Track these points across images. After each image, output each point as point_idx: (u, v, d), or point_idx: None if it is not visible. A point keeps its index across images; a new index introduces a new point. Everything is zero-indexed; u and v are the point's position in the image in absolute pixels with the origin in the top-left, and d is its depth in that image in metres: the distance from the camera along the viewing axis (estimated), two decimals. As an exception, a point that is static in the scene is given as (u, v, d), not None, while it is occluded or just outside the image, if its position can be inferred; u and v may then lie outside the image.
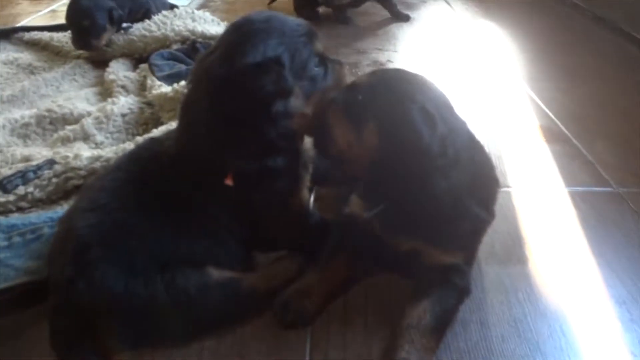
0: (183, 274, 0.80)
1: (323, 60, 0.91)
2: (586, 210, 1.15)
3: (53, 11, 2.57)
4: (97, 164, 1.10)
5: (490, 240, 1.02)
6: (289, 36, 0.84)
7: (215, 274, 0.83)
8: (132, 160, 0.90)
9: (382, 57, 2.02)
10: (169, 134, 0.93)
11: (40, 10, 2.57)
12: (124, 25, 1.81)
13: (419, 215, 0.83)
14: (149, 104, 1.38)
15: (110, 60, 1.72)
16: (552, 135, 1.46)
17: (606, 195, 1.20)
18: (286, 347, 0.82)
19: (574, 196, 1.20)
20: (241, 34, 0.83)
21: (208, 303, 0.81)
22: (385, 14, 2.48)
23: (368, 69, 1.90)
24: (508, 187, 1.23)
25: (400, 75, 0.87)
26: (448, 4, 2.75)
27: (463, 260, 0.86)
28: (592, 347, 0.83)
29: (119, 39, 1.76)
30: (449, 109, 0.84)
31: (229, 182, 0.82)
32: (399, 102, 0.80)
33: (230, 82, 0.80)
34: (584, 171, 1.29)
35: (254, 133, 0.81)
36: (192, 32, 1.69)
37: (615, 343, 0.84)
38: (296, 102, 0.84)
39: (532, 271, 0.97)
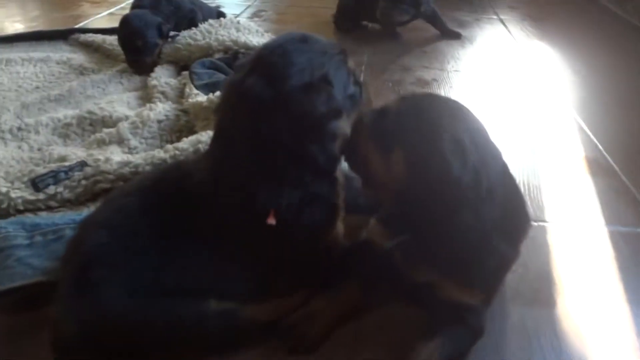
0: (182, 302, 0.79)
1: (356, 79, 0.88)
2: (628, 254, 1.07)
3: (111, 14, 2.66)
4: (126, 170, 1.12)
5: (517, 278, 0.97)
6: (327, 56, 0.82)
7: (214, 304, 0.81)
8: (155, 187, 0.87)
9: (428, 75, 1.97)
10: (198, 163, 0.88)
11: (99, 13, 2.67)
12: (172, 33, 1.86)
13: (442, 249, 0.79)
14: (185, 111, 1.40)
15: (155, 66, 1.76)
16: (598, 168, 1.38)
17: (652, 239, 1.12)
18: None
19: (615, 236, 1.12)
20: (281, 54, 0.80)
21: (203, 332, 0.80)
22: (435, 30, 2.43)
23: (411, 87, 1.87)
24: (544, 221, 1.16)
25: (432, 102, 0.83)
26: (503, 23, 2.66)
27: (481, 301, 0.81)
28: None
29: (165, 47, 1.80)
30: (484, 138, 0.79)
31: (271, 221, 0.78)
32: (428, 130, 0.76)
33: (277, 106, 0.77)
34: (630, 210, 1.21)
35: (302, 159, 0.79)
36: (235, 42, 1.71)
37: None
38: (345, 123, 0.82)
39: (559, 316, 0.91)
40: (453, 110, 0.80)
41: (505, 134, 1.53)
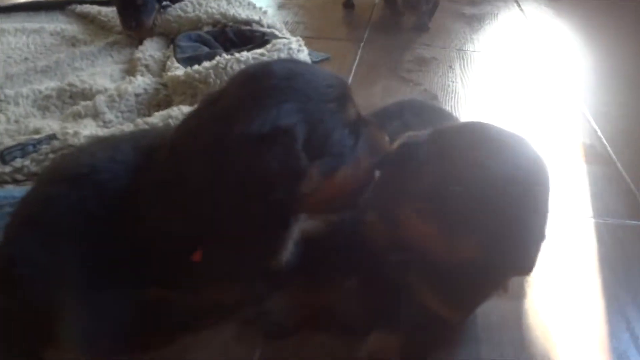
0: (116, 295, 0.76)
1: (355, 128, 0.72)
2: (611, 246, 1.01)
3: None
4: (94, 144, 1.09)
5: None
6: (313, 101, 0.67)
7: (153, 292, 0.78)
8: (90, 177, 0.77)
9: (427, 53, 1.90)
10: (143, 170, 0.76)
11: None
12: (164, 3, 1.81)
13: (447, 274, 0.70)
14: (165, 85, 1.37)
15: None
16: (595, 155, 1.31)
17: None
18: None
19: (600, 228, 1.06)
20: (253, 89, 0.67)
21: (141, 318, 0.77)
22: (441, 9, 2.31)
23: (410, 65, 1.79)
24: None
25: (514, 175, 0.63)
26: (517, 3, 2.55)
27: (458, 319, 0.77)
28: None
29: (157, 19, 1.76)
30: None
31: (196, 258, 0.70)
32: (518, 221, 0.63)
33: (226, 151, 0.64)
34: (620, 200, 1.14)
35: (239, 212, 0.66)
36: (224, 15, 1.66)
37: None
38: (308, 185, 0.67)
39: (527, 310, 0.87)
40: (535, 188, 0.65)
41: (502, 114, 1.46)
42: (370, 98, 1.50)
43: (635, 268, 0.96)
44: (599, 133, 1.40)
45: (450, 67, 1.78)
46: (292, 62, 0.77)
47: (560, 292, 0.91)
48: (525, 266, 0.66)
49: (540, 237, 0.66)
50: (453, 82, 1.66)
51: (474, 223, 0.62)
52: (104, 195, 0.75)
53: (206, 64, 1.28)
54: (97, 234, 0.74)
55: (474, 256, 0.64)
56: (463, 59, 1.85)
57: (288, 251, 0.82)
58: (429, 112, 1.02)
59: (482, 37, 2.09)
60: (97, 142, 0.97)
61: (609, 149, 1.33)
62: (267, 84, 0.67)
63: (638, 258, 0.99)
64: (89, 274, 0.74)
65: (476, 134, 0.66)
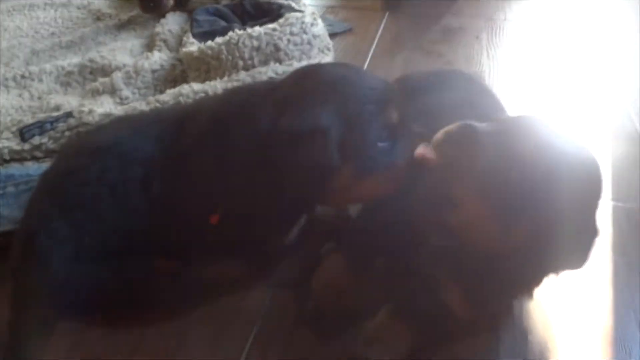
0: (129, 264, 0.80)
1: (394, 132, 0.74)
2: (627, 232, 0.97)
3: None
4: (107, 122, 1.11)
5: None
6: (353, 102, 0.71)
7: (161, 263, 0.81)
8: (112, 150, 0.83)
9: (455, 22, 1.82)
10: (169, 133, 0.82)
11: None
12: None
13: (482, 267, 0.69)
14: (182, 60, 1.37)
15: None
16: (623, 136, 1.24)
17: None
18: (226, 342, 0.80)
19: (617, 212, 1.01)
20: (303, 87, 0.74)
21: (147, 290, 0.80)
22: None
23: (434, 35, 1.73)
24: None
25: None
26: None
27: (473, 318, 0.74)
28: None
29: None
30: None
31: (214, 221, 0.76)
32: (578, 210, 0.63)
33: (269, 138, 0.71)
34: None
35: (267, 190, 0.73)
36: (242, -14, 1.64)
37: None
38: (338, 183, 0.72)
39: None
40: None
41: (527, 90, 1.40)
42: (390, 71, 1.46)
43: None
44: (632, 114, 1.32)
45: (477, 37, 1.71)
46: (342, 65, 0.82)
47: (565, 277, 0.88)
48: (577, 260, 0.65)
49: (595, 231, 0.65)
50: (478, 53, 1.60)
51: (532, 208, 0.61)
52: (126, 165, 0.80)
53: (219, 39, 1.27)
54: (118, 204, 0.79)
55: (526, 244, 0.63)
56: (492, 29, 1.77)
57: (293, 234, 0.89)
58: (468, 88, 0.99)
59: (515, 3, 1.98)
60: (118, 120, 1.04)
61: (637, 125, 1.26)
62: (314, 84, 0.74)
63: (655, 244, 0.94)
64: (108, 243, 0.79)
65: (537, 124, 0.66)
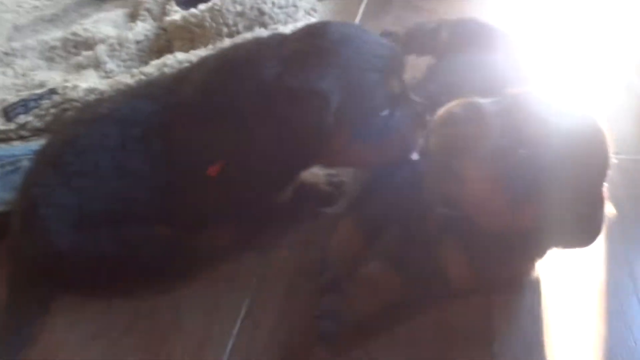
0: (129, 229, 0.81)
1: (395, 103, 0.75)
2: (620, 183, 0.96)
3: None
4: (92, 97, 1.10)
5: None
6: (356, 69, 0.72)
7: (160, 230, 0.82)
8: (111, 116, 0.85)
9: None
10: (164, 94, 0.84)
11: None
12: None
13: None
14: (166, 30, 1.34)
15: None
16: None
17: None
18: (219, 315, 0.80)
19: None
20: (308, 46, 0.74)
21: (148, 254, 0.81)
22: None
23: None
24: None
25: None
26: None
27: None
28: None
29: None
30: None
31: (212, 173, 0.77)
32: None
33: (272, 93, 0.72)
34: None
35: (266, 143, 0.75)
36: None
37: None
38: (334, 146, 0.73)
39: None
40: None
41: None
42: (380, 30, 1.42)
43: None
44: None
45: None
46: (352, 27, 0.80)
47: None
48: (586, 239, 0.65)
49: (602, 211, 0.65)
50: (471, 10, 1.54)
51: (540, 189, 0.61)
52: (125, 128, 0.81)
53: (202, 6, 1.25)
54: (118, 169, 0.80)
55: (534, 224, 0.64)
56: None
57: (286, 194, 0.90)
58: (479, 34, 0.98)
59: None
60: (115, 93, 1.05)
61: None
62: (319, 45, 0.73)
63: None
64: (109, 210, 0.80)
65: (543, 100, 0.65)
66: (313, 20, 1.30)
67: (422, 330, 0.75)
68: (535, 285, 0.80)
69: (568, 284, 0.80)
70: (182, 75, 0.85)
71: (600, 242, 0.84)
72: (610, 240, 0.85)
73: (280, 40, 0.79)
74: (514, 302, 0.78)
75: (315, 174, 0.93)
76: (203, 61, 0.86)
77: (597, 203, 0.65)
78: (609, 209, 0.68)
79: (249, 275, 0.85)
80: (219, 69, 0.79)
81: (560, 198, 0.62)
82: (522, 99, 0.65)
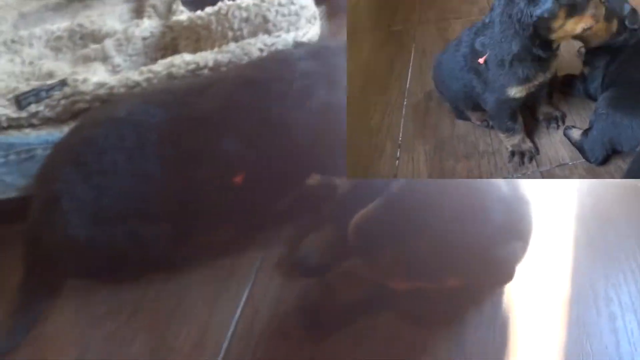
0: (141, 226, 0.88)
1: None
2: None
3: None
4: (102, 91, 1.14)
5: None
6: None
7: (169, 227, 0.90)
8: (128, 120, 0.92)
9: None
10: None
11: None
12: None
13: None
14: (172, 28, 1.39)
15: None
16: None
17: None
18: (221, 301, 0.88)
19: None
20: None
21: (157, 249, 0.89)
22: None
23: None
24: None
25: None
26: None
27: None
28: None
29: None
30: None
31: (238, 181, 0.86)
32: None
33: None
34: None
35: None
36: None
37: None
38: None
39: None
40: None
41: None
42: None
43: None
44: None
45: None
46: None
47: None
48: None
49: None
50: None
51: None
52: (141, 133, 0.88)
53: (208, 9, 1.29)
54: (135, 169, 0.88)
55: None
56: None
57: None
58: None
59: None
60: (129, 95, 1.11)
61: None
62: None
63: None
64: (123, 207, 0.88)
65: None
66: (314, 28, 1.36)
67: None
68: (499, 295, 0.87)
69: (533, 294, 0.87)
70: (197, 89, 0.92)
71: (566, 255, 0.93)
72: (575, 253, 0.94)
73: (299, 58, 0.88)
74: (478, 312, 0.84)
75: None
76: (222, 78, 0.94)
77: None
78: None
79: (250, 265, 0.93)
80: (245, 83, 0.88)
81: None
82: None
